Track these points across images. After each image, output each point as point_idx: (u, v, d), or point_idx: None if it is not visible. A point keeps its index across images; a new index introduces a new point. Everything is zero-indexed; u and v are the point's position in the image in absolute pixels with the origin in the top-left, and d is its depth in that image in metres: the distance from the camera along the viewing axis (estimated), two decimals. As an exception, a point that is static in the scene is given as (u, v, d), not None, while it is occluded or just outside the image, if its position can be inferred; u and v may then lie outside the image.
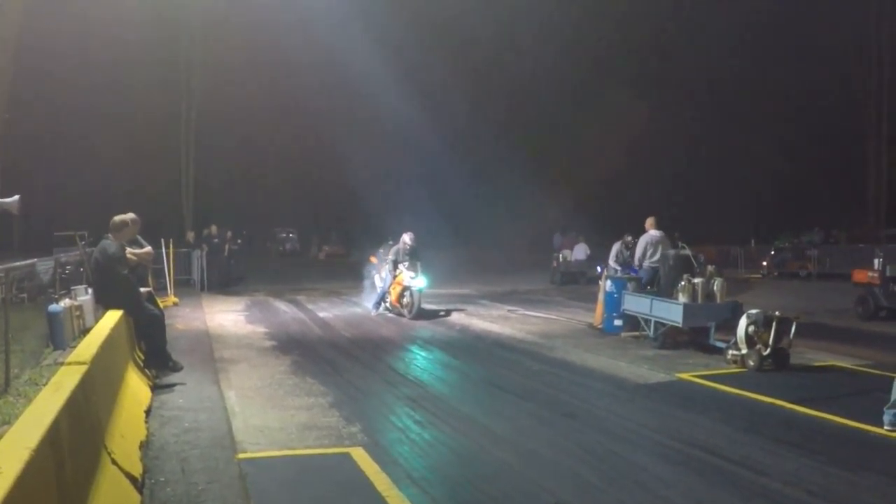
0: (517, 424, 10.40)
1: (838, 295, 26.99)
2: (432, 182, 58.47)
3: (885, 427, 10.05)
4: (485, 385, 13.25)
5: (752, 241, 48.52)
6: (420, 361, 15.55)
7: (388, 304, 23.02)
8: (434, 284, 28.65)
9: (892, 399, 10.07)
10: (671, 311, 16.35)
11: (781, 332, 14.44)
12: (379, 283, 23.99)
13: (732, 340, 14.95)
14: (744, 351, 14.53)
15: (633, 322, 18.47)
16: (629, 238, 21.85)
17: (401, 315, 22.18)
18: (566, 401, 11.92)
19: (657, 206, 57.83)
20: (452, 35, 58.49)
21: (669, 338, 17.02)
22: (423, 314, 21.99)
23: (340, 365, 14.64)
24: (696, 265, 17.56)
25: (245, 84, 57.74)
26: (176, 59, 50.06)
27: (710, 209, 60.18)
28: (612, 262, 21.66)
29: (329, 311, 23.40)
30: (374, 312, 22.95)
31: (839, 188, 56.77)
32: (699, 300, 16.36)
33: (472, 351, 16.69)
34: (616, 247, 21.87)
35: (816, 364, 15.30)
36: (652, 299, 17.25)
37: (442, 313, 22.93)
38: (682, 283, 16.43)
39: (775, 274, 41.84)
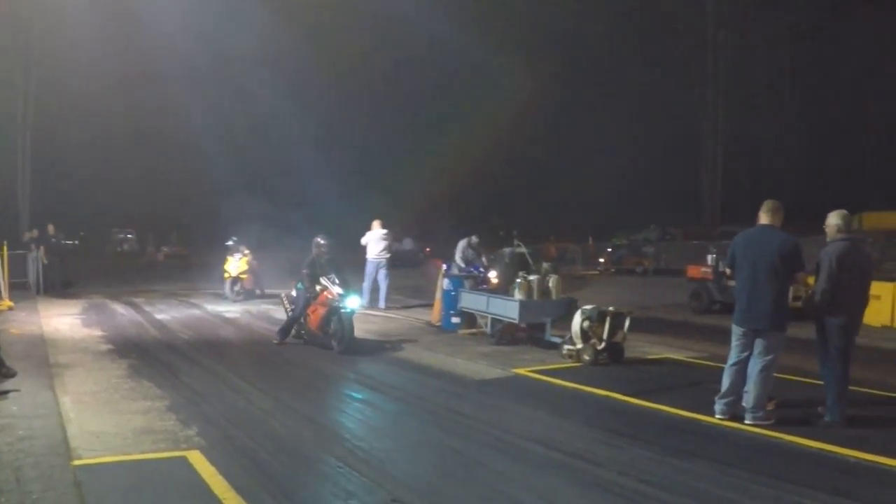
0: (354, 422, 10.31)
1: (673, 290, 27.53)
2: (282, 179, 58.22)
3: (717, 416, 10.22)
4: (321, 384, 13.09)
5: (590, 239, 49.29)
6: (256, 362, 15.25)
7: (303, 332, 17.46)
8: (270, 284, 28.35)
9: (723, 389, 10.24)
10: (507, 308, 16.42)
11: (615, 326, 14.62)
12: (287, 305, 18.32)
13: (567, 336, 15.06)
14: (579, 346, 14.63)
15: (470, 319, 18.56)
16: (474, 238, 22.08)
17: (326, 347, 16.41)
18: (402, 398, 11.90)
19: (497, 205, 58.53)
20: (318, 23, 58.21)
21: (506, 334, 17.06)
22: (358, 346, 16.53)
23: (178, 368, 14.25)
24: (531, 263, 17.69)
25: (87, 79, 56.35)
26: (13, 52, 48.72)
27: (549, 207, 60.96)
28: (457, 259, 21.81)
29: (167, 314, 22.86)
30: (277, 341, 17.16)
31: (676, 187, 58.06)
32: (535, 297, 16.48)
33: (307, 351, 16.46)
34: (461, 244, 22.03)
35: (651, 357, 15.61)
36: (488, 296, 17.35)
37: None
38: (518, 280, 16.55)
39: (613, 270, 42.57)
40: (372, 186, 57.86)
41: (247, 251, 26.05)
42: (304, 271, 17.16)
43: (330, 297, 16.35)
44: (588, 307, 14.97)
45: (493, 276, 20.35)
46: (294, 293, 17.92)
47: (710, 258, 24.11)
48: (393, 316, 22.33)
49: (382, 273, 23.93)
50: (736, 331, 10.26)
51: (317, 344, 16.74)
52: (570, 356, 14.80)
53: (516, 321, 16.36)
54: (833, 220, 10.39)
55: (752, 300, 9.96)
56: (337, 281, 16.51)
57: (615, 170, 60.89)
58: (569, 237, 51.77)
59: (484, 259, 22.11)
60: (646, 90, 59.79)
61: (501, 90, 59.45)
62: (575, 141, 63.58)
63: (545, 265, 17.59)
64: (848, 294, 10.13)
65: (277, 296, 25.63)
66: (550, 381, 13.12)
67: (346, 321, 16.07)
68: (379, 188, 57.94)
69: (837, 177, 51.32)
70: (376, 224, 24.20)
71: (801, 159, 54.93)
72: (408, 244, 52.84)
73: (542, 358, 15.22)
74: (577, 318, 14.77)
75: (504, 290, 17.45)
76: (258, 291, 26.79)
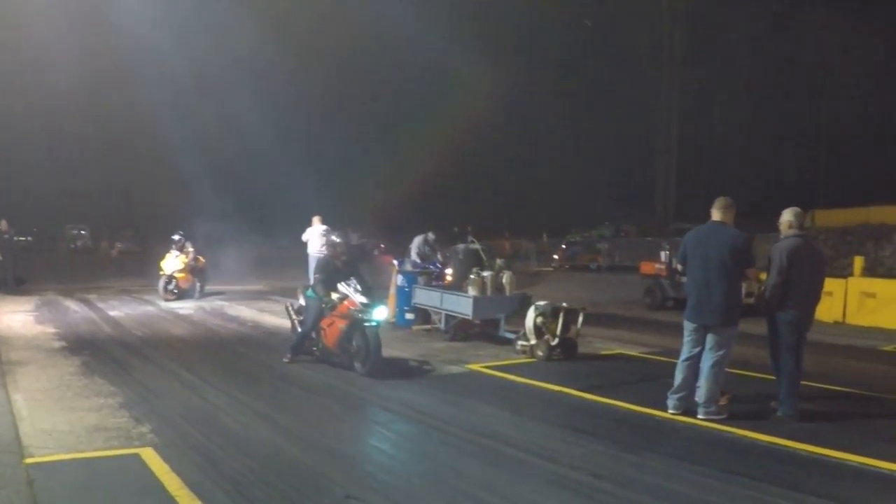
0: (308, 419, 10.23)
1: (627, 286, 27.70)
2: (236, 174, 58.05)
3: (670, 411, 10.27)
4: (275, 380, 12.97)
5: (545, 235, 49.47)
6: (210, 359, 15.05)
7: (315, 349, 14.69)
8: (225, 280, 28.16)
9: (676, 384, 10.29)
10: (461, 304, 16.50)
11: (569, 322, 14.70)
12: (295, 316, 15.74)
13: (521, 332, 15.20)
14: (532, 341, 14.75)
15: (424, 315, 18.58)
16: (431, 235, 22.12)
17: (345, 367, 13.73)
18: (357, 394, 11.85)
19: (454, 202, 58.63)
20: (285, 21, 57.99)
21: (460, 330, 17.12)
22: (389, 368, 13.66)
23: (131, 364, 14.09)
24: (485, 259, 17.72)
25: (42, 73, 55.83)
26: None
27: (504, 204, 61.18)
28: (413, 255, 21.83)
29: (120, 310, 22.61)
30: (288, 359, 14.52)
31: (631, 184, 58.44)
32: (488, 293, 16.59)
33: (263, 348, 16.33)
34: (417, 241, 22.04)
35: (604, 353, 15.70)
36: (442, 293, 17.38)
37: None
38: (472, 276, 16.60)
39: (567, 267, 42.73)
40: (335, 184, 57.76)
41: (190, 249, 25.32)
42: (317, 276, 14.27)
43: (352, 308, 13.53)
44: (541, 303, 15.06)
45: (448, 272, 20.36)
46: (302, 301, 15.27)
47: (663, 255, 24.28)
48: (346, 312, 22.29)
49: None
50: (688, 326, 10.31)
51: (333, 363, 14.08)
52: (524, 352, 14.91)
53: (470, 317, 16.39)
54: (786, 216, 10.51)
55: (704, 296, 10.01)
56: (359, 288, 13.89)
57: (571, 167, 61.14)
58: (523, 234, 51.99)
59: (440, 256, 22.13)
60: (602, 88, 60.08)
61: (459, 89, 59.50)
62: (531, 139, 63.82)
63: (499, 261, 17.66)
64: (799, 290, 10.21)
65: (222, 293, 25.35)
66: (504, 376, 13.16)
67: (371, 337, 13.28)
68: (342, 186, 57.91)
69: (791, 175, 51.78)
70: (316, 220, 25.28)
71: (756, 157, 55.38)
72: (353, 239, 52.77)
73: (495, 354, 15.26)
74: (531, 314, 14.85)
75: (458, 286, 17.46)
76: (197, 293, 25.88)
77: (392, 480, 7.88)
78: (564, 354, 14.71)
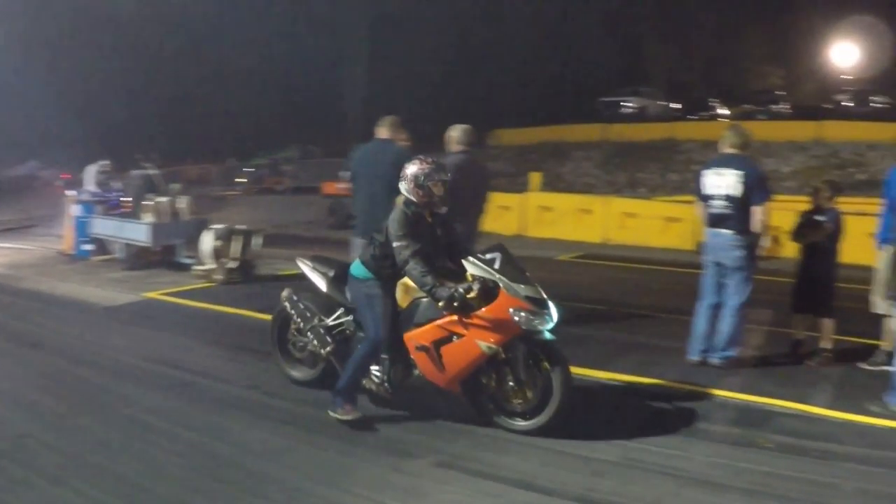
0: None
1: (312, 207, 27.97)
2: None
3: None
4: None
5: (229, 160, 49.42)
6: None
7: (389, 385, 7.51)
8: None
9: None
10: (139, 232, 16.36)
11: (245, 244, 14.90)
12: (303, 321, 8.33)
13: (198, 256, 15.17)
14: (210, 266, 14.84)
15: (103, 246, 18.31)
16: (105, 162, 21.63)
17: (485, 422, 7.28)
18: (32, 331, 11.55)
19: (139, 130, 57.53)
20: None
21: (140, 258, 16.87)
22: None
23: None
24: (160, 185, 17.62)
25: None
26: None
27: (189, 129, 60.38)
28: (88, 185, 21.28)
29: None
30: (344, 412, 7.30)
31: (322, 107, 58.70)
32: (166, 219, 16.42)
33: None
34: (91, 170, 21.46)
35: (283, 273, 15.80)
36: (120, 221, 17.18)
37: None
38: (147, 202, 16.46)
39: (255, 190, 42.80)
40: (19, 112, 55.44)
41: None
42: (402, 244, 7.12)
43: (514, 309, 6.89)
44: (218, 226, 15.17)
45: (127, 200, 20.09)
46: (323, 288, 8.44)
47: (344, 174, 24.58)
48: (26, 247, 21.65)
49: None
50: (356, 242, 10.58)
51: (449, 415, 7.59)
52: (202, 276, 14.97)
53: (148, 244, 16.29)
54: (453, 133, 10.90)
55: (371, 211, 10.27)
56: (509, 270, 7.13)
57: (258, 90, 60.85)
58: (209, 158, 51.63)
59: (118, 184, 21.74)
60: (288, 7, 59.65)
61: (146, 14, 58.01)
62: (216, 62, 62.85)
63: (174, 186, 17.61)
64: (463, 204, 10.60)
65: None
66: (181, 302, 13.25)
67: (559, 367, 6.99)
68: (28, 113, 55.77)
69: (478, 95, 53.06)
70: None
71: (442, 79, 56.46)
72: (24, 169, 50.21)
73: (175, 280, 15.23)
74: (208, 238, 14.92)
75: (134, 213, 17.33)
76: None
77: (61, 411, 7.89)
78: (243, 277, 14.91)
